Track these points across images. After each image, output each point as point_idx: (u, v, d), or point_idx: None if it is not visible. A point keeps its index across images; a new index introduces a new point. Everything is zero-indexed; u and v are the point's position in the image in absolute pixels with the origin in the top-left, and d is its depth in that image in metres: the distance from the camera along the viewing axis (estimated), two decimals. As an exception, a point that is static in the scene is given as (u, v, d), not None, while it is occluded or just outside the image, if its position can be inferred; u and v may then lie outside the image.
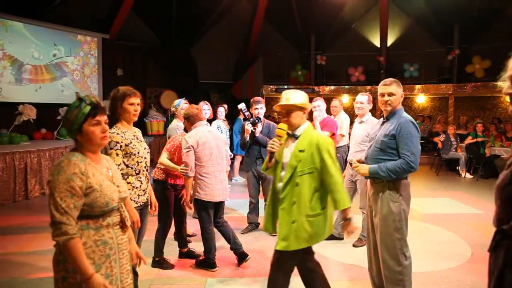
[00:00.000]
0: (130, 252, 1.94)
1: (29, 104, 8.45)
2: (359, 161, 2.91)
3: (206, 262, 3.70)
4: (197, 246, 4.28)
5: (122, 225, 1.89)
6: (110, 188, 1.79)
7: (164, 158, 3.69)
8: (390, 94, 2.76)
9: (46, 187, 6.81)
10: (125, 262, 1.88)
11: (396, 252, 2.68)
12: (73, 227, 1.62)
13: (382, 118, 2.89)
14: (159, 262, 3.71)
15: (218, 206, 3.77)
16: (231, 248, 3.81)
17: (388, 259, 2.70)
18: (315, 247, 4.21)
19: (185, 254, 3.99)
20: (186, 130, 3.91)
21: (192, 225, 4.93)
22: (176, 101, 4.61)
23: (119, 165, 2.55)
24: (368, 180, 2.92)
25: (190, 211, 5.23)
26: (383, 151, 2.73)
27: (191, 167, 3.54)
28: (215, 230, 3.75)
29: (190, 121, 3.70)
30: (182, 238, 4.01)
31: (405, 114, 2.78)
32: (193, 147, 3.54)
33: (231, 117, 8.50)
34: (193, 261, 3.88)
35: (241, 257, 3.79)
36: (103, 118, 1.79)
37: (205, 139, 3.61)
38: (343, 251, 4.20)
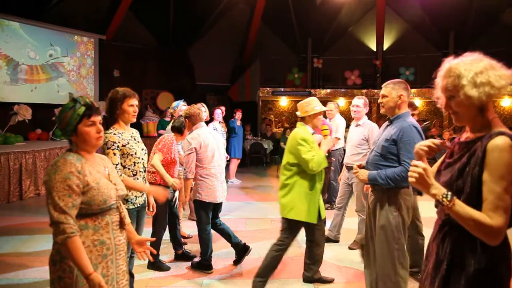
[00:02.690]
0: (126, 252, 1.93)
1: (24, 104, 8.42)
2: (359, 166, 2.80)
3: (202, 264, 3.69)
4: (193, 247, 4.28)
5: (121, 224, 1.88)
6: (108, 186, 1.79)
7: (157, 161, 3.58)
8: (383, 96, 2.70)
9: (42, 187, 6.78)
10: (122, 263, 1.87)
11: (394, 262, 2.59)
12: (71, 226, 1.62)
13: (387, 121, 2.77)
14: (155, 264, 3.69)
15: (217, 207, 3.78)
16: (233, 244, 3.80)
17: (385, 269, 2.62)
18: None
19: (180, 255, 3.98)
20: (176, 129, 3.85)
21: (188, 227, 4.92)
22: (175, 103, 4.61)
23: (116, 164, 2.55)
24: (369, 186, 2.83)
25: (186, 213, 5.25)
26: (384, 156, 2.61)
27: (191, 169, 3.52)
28: (212, 232, 3.75)
29: (191, 120, 3.68)
30: (176, 239, 4.00)
31: (410, 119, 2.66)
32: (195, 149, 3.53)
33: (227, 119, 8.50)
34: (189, 262, 3.87)
35: (243, 250, 3.79)
36: (98, 119, 1.79)
37: (208, 141, 3.61)
38: (339, 253, 4.21)
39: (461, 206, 1.35)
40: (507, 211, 1.32)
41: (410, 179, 1.42)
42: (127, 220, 1.95)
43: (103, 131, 1.82)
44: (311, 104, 3.22)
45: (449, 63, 1.47)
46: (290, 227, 3.19)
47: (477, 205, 1.37)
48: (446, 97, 1.48)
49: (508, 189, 1.32)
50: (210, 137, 3.68)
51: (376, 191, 2.71)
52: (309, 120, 3.25)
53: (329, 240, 4.50)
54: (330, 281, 3.47)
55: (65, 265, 1.68)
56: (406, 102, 2.70)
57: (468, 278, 1.41)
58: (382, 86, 2.77)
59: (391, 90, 2.67)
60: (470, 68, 1.40)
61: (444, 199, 1.36)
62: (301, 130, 3.21)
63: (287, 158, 3.22)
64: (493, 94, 1.38)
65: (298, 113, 3.35)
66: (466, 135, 1.52)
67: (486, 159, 1.36)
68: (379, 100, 2.75)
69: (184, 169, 3.61)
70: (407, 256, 2.67)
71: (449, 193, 1.37)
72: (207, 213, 3.64)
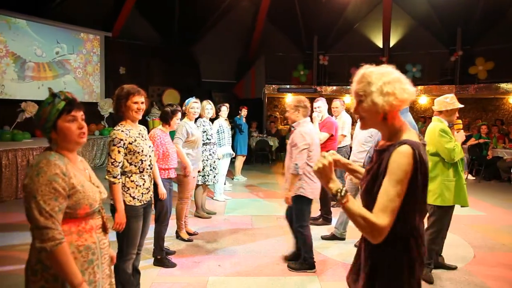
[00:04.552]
0: (109, 256, 1.84)
1: (31, 101, 8.47)
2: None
3: (307, 263, 3.60)
4: (198, 243, 4.29)
5: (104, 228, 1.78)
6: (92, 189, 1.70)
7: (157, 170, 3.45)
8: None
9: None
10: (105, 267, 1.79)
11: None
12: (59, 231, 1.52)
13: None
14: (161, 260, 3.70)
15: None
16: (299, 248, 3.78)
17: None
18: (317, 247, 4.17)
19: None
20: (162, 118, 3.80)
21: (194, 224, 4.93)
22: (187, 100, 4.61)
23: (119, 162, 2.56)
24: None
25: (192, 210, 5.25)
26: None
27: (303, 165, 3.42)
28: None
29: (301, 112, 3.57)
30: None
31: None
32: (309, 145, 3.46)
33: (232, 116, 8.49)
34: (196, 258, 3.88)
35: (295, 258, 3.78)
36: (80, 114, 1.67)
37: (316, 138, 3.58)
38: (344, 251, 4.20)
39: (353, 204, 1.44)
40: (394, 213, 1.40)
41: (314, 167, 1.50)
42: (109, 224, 1.85)
43: (86, 127, 1.69)
44: (450, 100, 3.50)
45: (364, 70, 1.56)
46: (440, 212, 3.47)
47: None
48: (357, 101, 1.57)
49: (401, 193, 1.41)
50: (315, 133, 3.64)
51: None
52: (447, 115, 3.52)
53: (335, 237, 4.50)
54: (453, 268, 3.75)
55: (47, 274, 1.56)
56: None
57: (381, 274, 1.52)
58: None
59: None
60: (380, 77, 1.50)
61: (338, 194, 1.45)
62: (440, 124, 3.49)
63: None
64: (395, 105, 1.47)
65: (435, 107, 3.56)
66: (381, 143, 1.60)
67: (388, 165, 1.45)
68: None
69: (296, 164, 3.42)
70: None
71: (344, 189, 1.45)
72: (310, 209, 3.61)
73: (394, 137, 1.53)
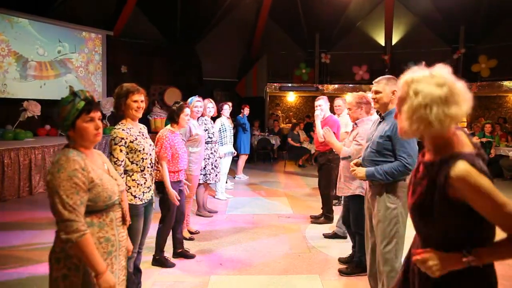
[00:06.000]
0: (126, 248, 1.93)
1: (33, 100, 8.49)
2: (356, 164, 2.84)
3: (361, 266, 3.48)
4: (200, 244, 4.29)
5: (123, 220, 1.88)
6: (110, 181, 1.78)
7: (165, 170, 3.39)
8: (377, 92, 2.73)
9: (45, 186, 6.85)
10: (122, 258, 1.88)
11: (395, 253, 2.67)
12: (83, 223, 1.61)
13: (379, 117, 2.81)
14: (160, 260, 3.67)
15: None
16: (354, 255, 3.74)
17: (388, 259, 2.66)
18: (319, 246, 4.17)
19: (179, 254, 3.89)
20: (170, 118, 3.68)
21: (196, 223, 4.93)
22: (190, 99, 4.61)
23: (122, 161, 2.56)
24: (367, 182, 2.86)
25: (193, 209, 5.26)
26: (379, 152, 2.68)
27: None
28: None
29: (365, 109, 3.46)
30: (177, 238, 3.91)
31: None
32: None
33: (234, 115, 8.48)
34: (197, 257, 3.87)
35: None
36: (97, 114, 1.75)
37: None
38: (346, 249, 4.18)
39: (491, 253, 1.29)
40: None
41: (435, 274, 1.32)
42: (128, 217, 1.95)
43: (101, 127, 1.78)
44: None
45: (411, 75, 1.41)
46: None
47: (445, 230, 1.34)
48: (398, 108, 1.43)
49: (501, 200, 1.28)
50: None
51: (374, 186, 2.76)
52: None
53: (337, 236, 4.49)
54: None
55: (70, 263, 1.65)
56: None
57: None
58: (373, 82, 2.81)
59: (384, 86, 2.71)
60: (426, 93, 1.31)
61: (465, 259, 1.28)
62: None
63: None
64: (429, 131, 1.31)
65: None
66: (428, 156, 1.44)
67: (460, 191, 1.28)
68: (372, 96, 2.79)
69: (349, 157, 3.36)
70: (402, 250, 2.69)
71: (464, 251, 1.29)
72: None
73: (442, 149, 1.35)
